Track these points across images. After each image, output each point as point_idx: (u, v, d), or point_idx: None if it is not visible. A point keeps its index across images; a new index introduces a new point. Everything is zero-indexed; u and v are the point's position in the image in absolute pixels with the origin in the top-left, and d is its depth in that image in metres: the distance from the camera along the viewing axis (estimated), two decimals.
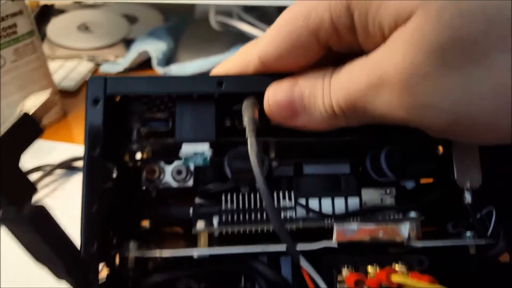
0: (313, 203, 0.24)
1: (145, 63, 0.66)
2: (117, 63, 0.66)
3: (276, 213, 0.20)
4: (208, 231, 0.23)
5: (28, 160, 0.48)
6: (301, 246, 0.22)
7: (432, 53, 0.14)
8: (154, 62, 0.64)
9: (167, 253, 0.22)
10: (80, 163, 0.48)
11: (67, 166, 0.48)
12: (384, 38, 0.16)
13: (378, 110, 0.17)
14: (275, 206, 0.20)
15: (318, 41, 0.17)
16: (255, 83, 0.20)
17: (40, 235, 0.18)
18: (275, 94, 0.18)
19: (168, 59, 0.67)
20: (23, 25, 0.48)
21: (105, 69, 0.66)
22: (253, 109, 0.21)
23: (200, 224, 0.23)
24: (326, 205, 0.24)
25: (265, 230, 0.23)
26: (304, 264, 0.19)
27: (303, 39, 0.17)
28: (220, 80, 0.21)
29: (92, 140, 0.21)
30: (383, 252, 0.23)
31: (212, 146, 0.23)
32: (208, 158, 0.23)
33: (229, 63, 0.21)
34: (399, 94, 0.15)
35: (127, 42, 0.70)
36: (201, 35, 0.74)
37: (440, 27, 0.14)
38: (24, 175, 0.19)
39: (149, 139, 0.25)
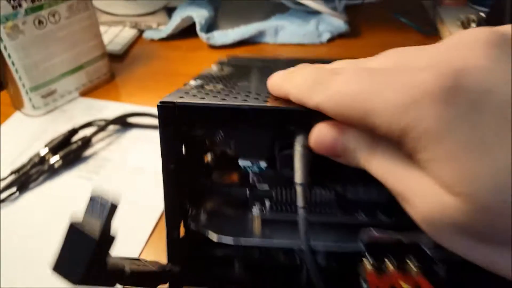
0: None
1: (186, 30, 0.66)
2: (160, 29, 0.67)
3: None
4: (262, 216, 0.25)
5: (81, 117, 0.49)
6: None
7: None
8: (198, 27, 0.64)
9: (228, 240, 0.25)
10: (133, 119, 0.49)
11: (121, 122, 0.48)
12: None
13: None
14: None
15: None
16: (309, 119, 0.20)
17: None
18: (322, 135, 0.19)
19: (210, 26, 0.67)
20: None
21: (149, 35, 0.66)
22: (307, 166, 0.21)
23: (255, 210, 0.26)
24: None
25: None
26: None
27: (358, 126, 0.18)
28: (278, 115, 0.22)
29: (167, 157, 0.23)
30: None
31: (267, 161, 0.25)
32: (263, 168, 0.25)
33: (292, 84, 0.21)
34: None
35: (168, 11, 0.70)
36: (240, 3, 0.74)
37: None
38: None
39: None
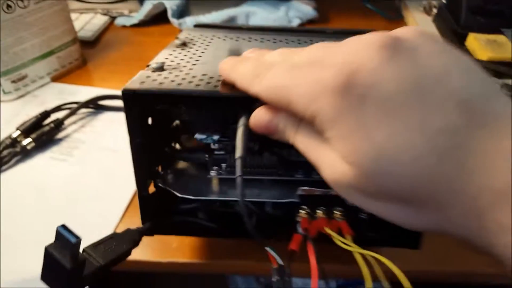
0: None
1: (158, 16, 0.67)
2: (132, 16, 0.67)
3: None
4: (219, 176, 0.30)
5: (53, 101, 0.49)
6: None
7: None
8: (169, 13, 0.64)
9: (189, 196, 0.29)
10: (106, 102, 0.49)
11: (94, 105, 0.49)
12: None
13: None
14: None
15: None
16: (250, 104, 0.24)
17: None
18: (259, 118, 0.24)
19: (181, 12, 0.68)
20: None
21: (121, 22, 0.67)
22: (246, 142, 0.25)
23: (213, 172, 0.30)
24: None
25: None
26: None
27: (285, 111, 0.23)
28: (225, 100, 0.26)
29: (132, 132, 0.26)
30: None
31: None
32: (216, 139, 0.29)
33: (236, 74, 0.25)
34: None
35: None
36: None
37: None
38: None
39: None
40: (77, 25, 0.63)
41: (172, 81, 0.26)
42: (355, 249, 0.25)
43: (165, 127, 0.31)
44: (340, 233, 0.27)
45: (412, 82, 0.19)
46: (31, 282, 0.33)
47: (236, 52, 0.30)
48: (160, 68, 0.28)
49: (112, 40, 0.64)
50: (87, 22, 0.65)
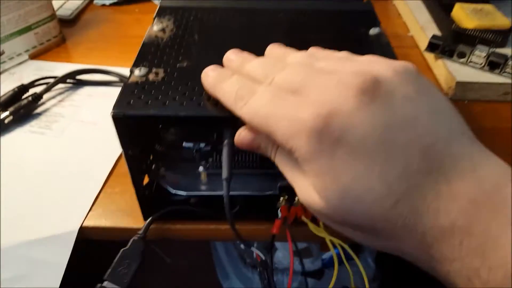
0: None
1: None
2: None
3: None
4: (206, 171, 0.33)
5: (31, 78, 0.48)
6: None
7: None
8: None
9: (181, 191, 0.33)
10: (85, 77, 0.48)
11: (73, 79, 0.47)
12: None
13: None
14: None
15: None
16: (233, 123, 0.26)
17: None
18: (243, 137, 0.26)
19: None
20: None
21: (100, 1, 0.65)
22: (231, 161, 0.27)
23: (201, 168, 0.33)
24: None
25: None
26: None
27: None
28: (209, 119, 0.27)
29: (125, 146, 0.27)
30: None
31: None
32: (202, 146, 0.31)
33: (221, 93, 0.26)
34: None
35: None
36: None
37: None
38: None
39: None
40: (56, 3, 0.61)
41: (157, 98, 0.27)
42: (326, 236, 0.29)
43: (154, 129, 0.32)
44: (315, 218, 0.30)
45: (382, 129, 0.21)
46: (7, 257, 0.31)
47: (216, 46, 0.31)
48: (145, 76, 0.29)
49: (92, 18, 0.62)
50: (66, 1, 0.63)
